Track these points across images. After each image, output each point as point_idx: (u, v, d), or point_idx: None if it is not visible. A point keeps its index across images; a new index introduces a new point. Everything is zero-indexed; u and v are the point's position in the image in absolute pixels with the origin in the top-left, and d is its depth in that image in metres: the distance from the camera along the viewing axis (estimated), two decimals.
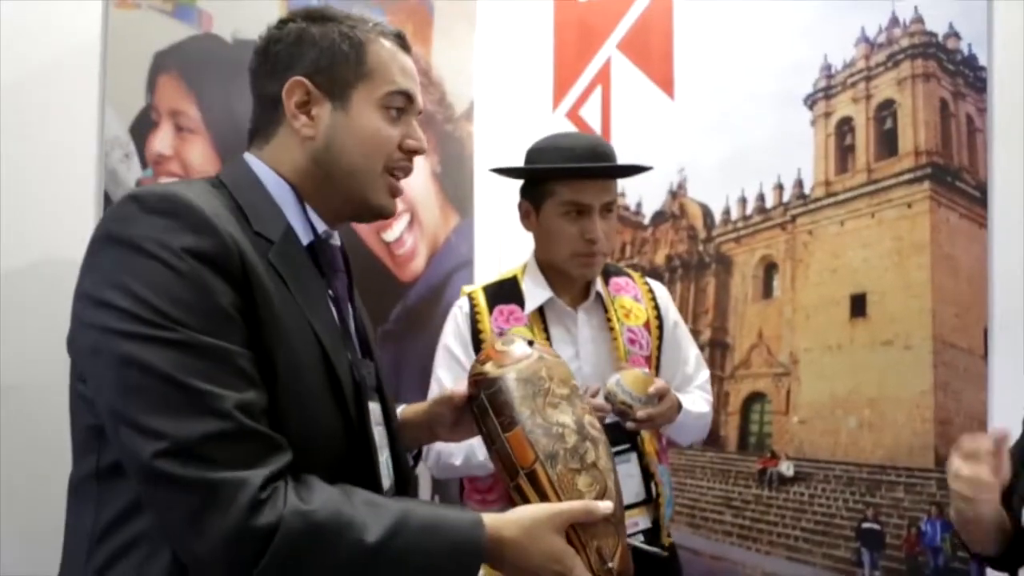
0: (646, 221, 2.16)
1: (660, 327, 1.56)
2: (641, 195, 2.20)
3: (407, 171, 0.96)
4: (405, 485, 1.00)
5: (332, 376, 0.84)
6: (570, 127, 2.26)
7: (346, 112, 0.91)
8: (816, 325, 1.89)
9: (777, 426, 1.93)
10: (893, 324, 1.76)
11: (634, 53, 2.18)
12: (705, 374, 1.64)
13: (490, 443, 0.96)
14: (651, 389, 1.36)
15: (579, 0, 2.28)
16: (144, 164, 1.39)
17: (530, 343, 1.02)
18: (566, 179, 1.45)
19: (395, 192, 0.95)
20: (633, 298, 1.56)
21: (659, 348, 1.55)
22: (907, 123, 1.78)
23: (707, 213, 2.06)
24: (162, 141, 1.42)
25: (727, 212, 2.03)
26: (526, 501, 0.91)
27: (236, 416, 0.72)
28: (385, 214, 0.96)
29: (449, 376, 1.49)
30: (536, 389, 0.96)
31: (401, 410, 1.10)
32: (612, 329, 1.51)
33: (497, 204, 2.32)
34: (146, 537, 0.76)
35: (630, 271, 1.63)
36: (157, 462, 0.70)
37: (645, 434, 1.49)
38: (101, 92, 1.35)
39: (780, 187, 1.95)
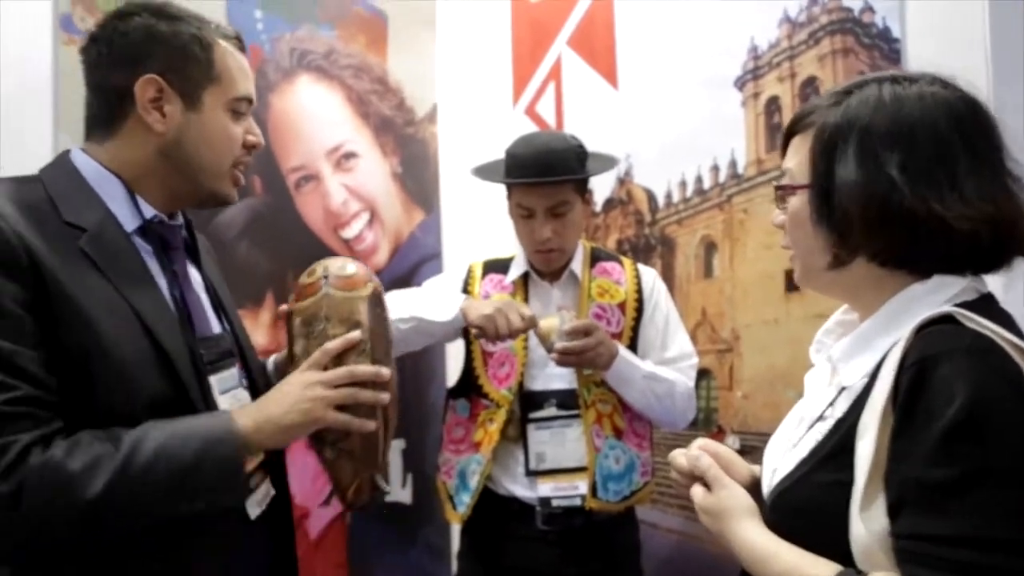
0: (598, 208, 2.23)
1: (638, 309, 1.64)
2: (592, 183, 2.27)
3: (248, 164, 1.06)
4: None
5: (158, 349, 0.90)
6: (528, 123, 2.35)
7: (198, 112, 0.98)
8: (754, 301, 1.92)
9: (723, 401, 1.98)
10: (825, 298, 1.78)
11: (582, 48, 2.27)
12: (689, 361, 1.67)
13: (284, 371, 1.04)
14: (567, 326, 1.45)
15: (531, 1, 2.37)
16: None
17: (324, 279, 1.04)
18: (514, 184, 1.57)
19: (238, 183, 1.05)
20: (615, 281, 1.65)
21: (634, 329, 1.63)
22: None
23: (651, 197, 2.12)
24: None
25: (669, 195, 2.09)
26: None
27: (1, 403, 0.78)
28: (229, 202, 1.05)
29: (432, 284, 1.71)
30: (310, 329, 1.02)
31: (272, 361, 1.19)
32: (581, 303, 1.62)
33: (464, 199, 2.44)
34: None
35: (623, 258, 1.73)
36: None
37: (605, 408, 1.57)
38: (54, 119, 1.53)
39: (716, 168, 2.00)
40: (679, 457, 0.95)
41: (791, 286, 1.85)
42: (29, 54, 1.51)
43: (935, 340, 0.73)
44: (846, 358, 0.85)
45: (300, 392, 0.94)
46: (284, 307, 1.09)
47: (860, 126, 0.81)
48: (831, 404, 0.85)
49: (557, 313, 1.50)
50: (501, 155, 1.69)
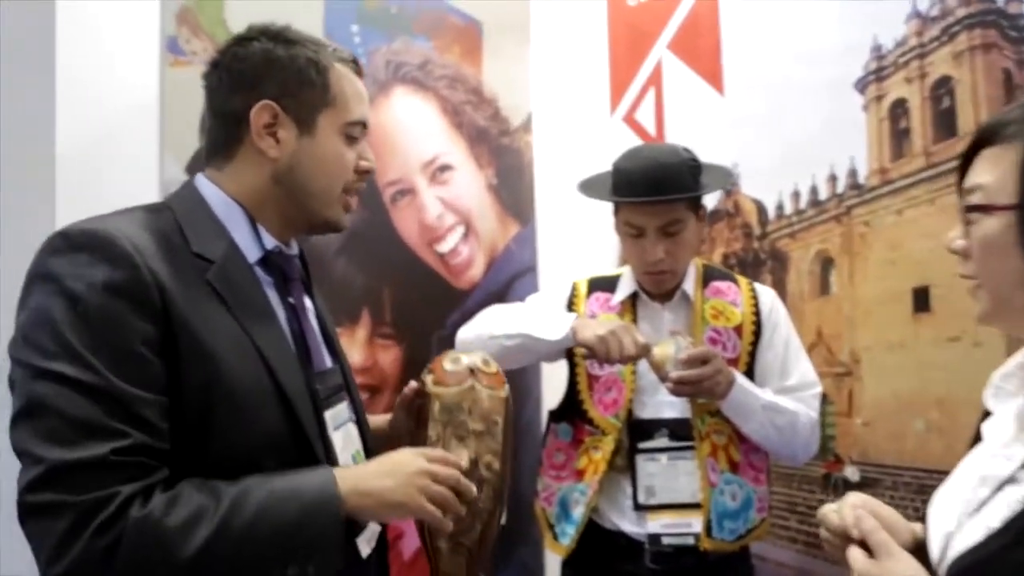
0: None
1: (756, 332, 1.53)
2: None
3: (361, 189, 1.03)
4: None
5: (277, 386, 0.88)
6: (627, 131, 2.26)
7: (312, 137, 0.96)
8: (877, 321, 1.78)
9: (841, 429, 1.84)
10: (960, 319, 1.63)
11: (683, 52, 2.16)
12: (812, 391, 1.53)
13: (410, 442, 1.03)
14: (683, 355, 1.35)
15: (629, 4, 2.28)
16: None
17: (472, 372, 1.05)
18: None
19: (349, 208, 1.02)
20: (731, 302, 1.54)
21: (751, 354, 1.52)
22: (966, 100, 1.65)
23: (761, 209, 2.00)
24: None
25: (780, 207, 1.96)
26: None
27: (107, 449, 0.76)
28: (340, 229, 1.02)
29: (534, 300, 1.66)
30: (450, 418, 1.01)
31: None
32: (695, 327, 1.52)
33: (560, 211, 2.37)
34: None
35: (738, 277, 1.61)
36: (28, 494, 0.75)
37: (720, 439, 1.47)
38: (160, 141, 1.55)
39: (834, 178, 1.86)
40: (831, 515, 0.85)
41: (920, 306, 1.71)
42: (136, 75, 1.53)
43: None
44: None
45: (409, 477, 0.89)
46: (415, 385, 1.08)
47: None
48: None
49: (671, 339, 1.40)
50: (597, 165, 1.60)
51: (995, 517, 0.73)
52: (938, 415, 1.66)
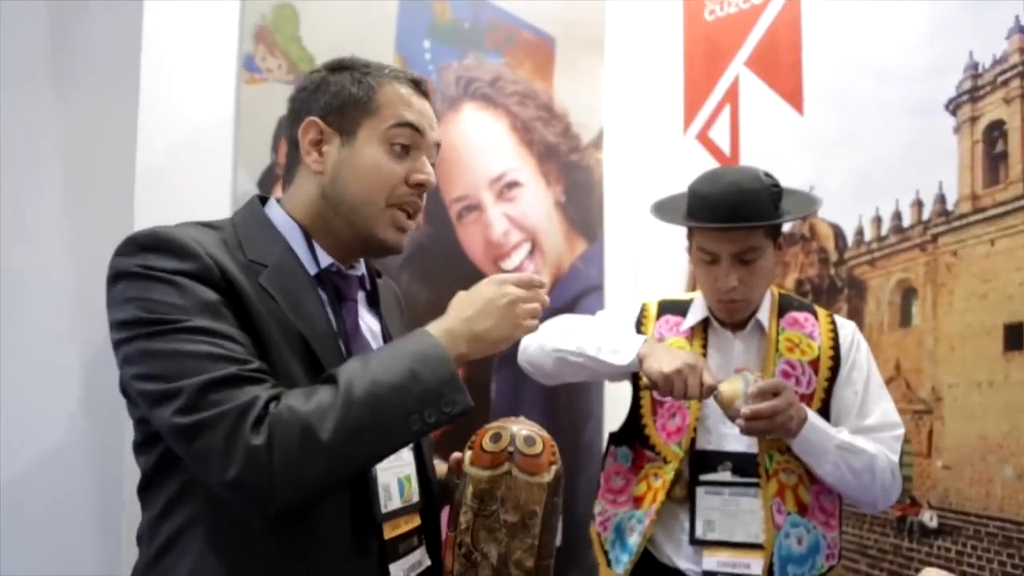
0: None
1: (834, 368, 1.44)
2: None
3: (415, 207, 1.00)
4: (432, 502, 1.04)
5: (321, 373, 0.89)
6: (700, 150, 2.20)
7: (352, 147, 0.96)
8: (963, 358, 1.67)
9: (918, 470, 1.73)
10: None
11: (762, 68, 2.09)
12: (894, 432, 1.42)
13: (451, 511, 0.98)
14: (751, 388, 1.29)
15: (706, 19, 2.22)
16: None
17: (510, 455, 0.94)
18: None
19: (401, 227, 0.99)
20: (807, 335, 1.47)
21: (827, 391, 1.43)
22: None
23: (839, 234, 1.91)
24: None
25: (860, 232, 1.87)
26: None
27: (235, 368, 0.81)
28: (391, 249, 1.00)
29: (603, 316, 1.66)
30: (482, 506, 0.93)
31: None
32: (768, 359, 1.46)
33: (629, 229, 2.33)
34: (177, 540, 0.86)
35: (818, 308, 1.54)
36: (178, 418, 0.79)
37: (789, 479, 1.39)
38: (234, 155, 1.59)
39: (919, 203, 1.76)
40: None
41: (1012, 343, 1.59)
42: (213, 92, 1.57)
43: None
44: None
45: (503, 310, 0.95)
46: (458, 456, 1.02)
47: None
48: None
49: (739, 375, 1.34)
50: (669, 183, 1.55)
51: None
52: None
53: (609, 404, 2.16)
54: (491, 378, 1.99)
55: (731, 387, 1.31)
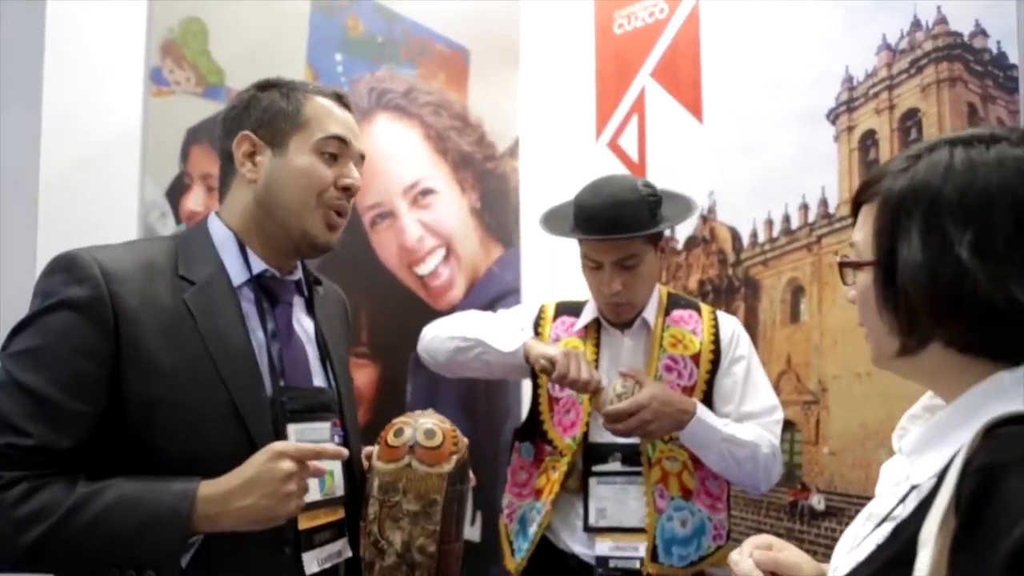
0: (679, 246, 2.14)
1: (714, 360, 1.54)
2: None
3: (344, 209, 1.08)
4: (358, 496, 1.08)
5: (233, 403, 0.94)
6: (611, 157, 2.30)
7: (284, 156, 1.05)
8: (845, 351, 1.79)
9: (807, 457, 1.84)
10: None
11: (666, 80, 2.19)
12: (773, 416, 1.52)
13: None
14: (609, 408, 1.38)
15: (615, 32, 2.32)
16: (178, 220, 1.64)
17: (411, 448, 1.01)
18: None
19: (332, 225, 1.07)
20: (691, 331, 1.56)
21: (708, 382, 1.53)
22: (932, 132, 1.67)
23: (736, 236, 2.02)
24: (195, 200, 1.66)
25: (755, 235, 1.98)
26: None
27: (5, 445, 0.86)
28: (323, 246, 1.07)
29: (504, 314, 1.72)
30: (386, 497, 1.00)
31: None
32: (651, 354, 1.55)
33: (544, 234, 2.39)
34: None
35: (702, 305, 1.63)
36: None
37: (673, 466, 1.49)
38: (142, 166, 1.62)
39: (805, 207, 1.88)
40: (740, 563, 0.86)
41: None
42: (120, 104, 1.60)
43: (1009, 444, 0.64)
44: (918, 452, 0.75)
45: (270, 486, 0.90)
46: (369, 450, 1.09)
47: (927, 198, 0.71)
48: (901, 502, 0.76)
49: (619, 379, 1.42)
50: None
51: (864, 551, 0.75)
52: None
53: (527, 404, 2.23)
54: (407, 379, 2.04)
55: (607, 390, 1.41)
